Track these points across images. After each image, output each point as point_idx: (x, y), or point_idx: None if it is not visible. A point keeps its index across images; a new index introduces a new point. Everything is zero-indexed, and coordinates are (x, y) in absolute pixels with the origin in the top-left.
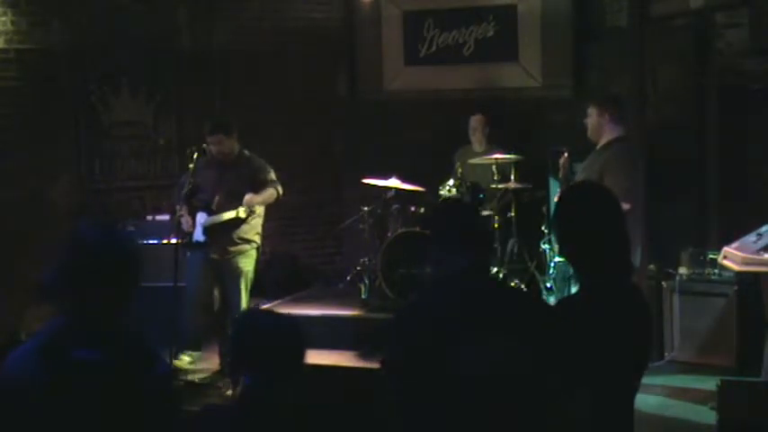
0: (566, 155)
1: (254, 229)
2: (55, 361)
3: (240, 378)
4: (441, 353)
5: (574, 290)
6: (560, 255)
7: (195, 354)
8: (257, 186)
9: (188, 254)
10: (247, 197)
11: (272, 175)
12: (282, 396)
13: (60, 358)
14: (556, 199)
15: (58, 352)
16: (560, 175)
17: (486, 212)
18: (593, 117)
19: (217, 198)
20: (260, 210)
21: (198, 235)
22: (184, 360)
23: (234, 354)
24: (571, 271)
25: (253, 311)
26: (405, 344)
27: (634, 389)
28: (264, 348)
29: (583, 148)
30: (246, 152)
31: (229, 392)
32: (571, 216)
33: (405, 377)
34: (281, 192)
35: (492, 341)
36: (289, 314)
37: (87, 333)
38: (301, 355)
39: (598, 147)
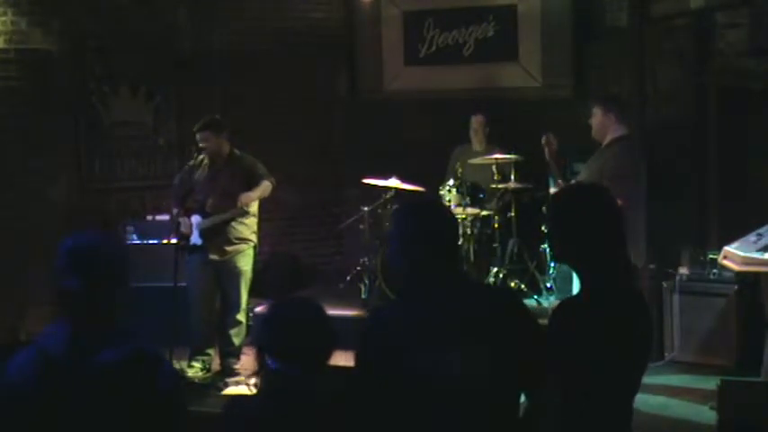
0: (548, 136)
1: (249, 228)
2: (49, 363)
3: (265, 366)
4: (398, 364)
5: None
6: (558, 258)
7: (207, 358)
8: (252, 184)
9: (186, 256)
10: (243, 196)
11: (264, 169)
12: (313, 387)
13: (54, 357)
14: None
15: (51, 352)
16: (547, 158)
17: (486, 212)
18: (597, 117)
19: (210, 200)
20: (254, 208)
21: (195, 238)
22: (196, 367)
23: (267, 342)
24: (572, 271)
25: (286, 300)
26: (366, 354)
27: (634, 389)
28: (297, 337)
29: (583, 147)
30: (237, 152)
31: (228, 391)
32: (569, 217)
33: (368, 385)
34: (274, 182)
35: (453, 350)
36: (321, 305)
37: (78, 333)
38: (333, 348)
39: (603, 146)
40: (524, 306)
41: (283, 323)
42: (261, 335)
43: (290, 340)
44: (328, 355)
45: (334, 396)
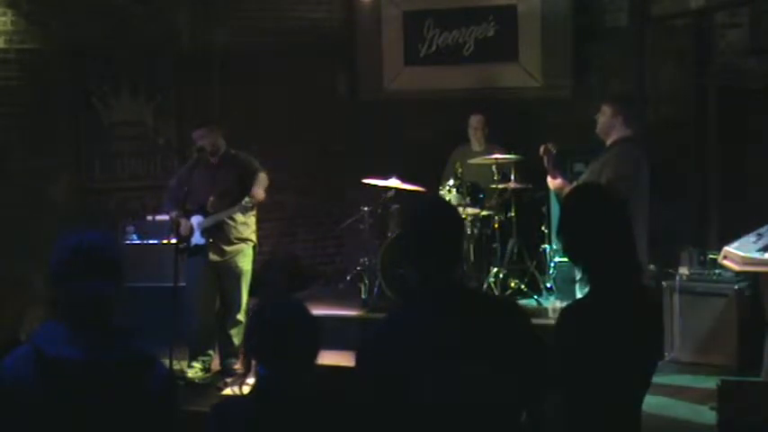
0: (546, 146)
1: (250, 228)
2: (47, 361)
3: (255, 369)
4: (400, 378)
5: (578, 293)
6: (569, 258)
7: (207, 359)
8: (249, 180)
9: (186, 257)
10: (255, 191)
11: (257, 162)
12: (297, 388)
13: (51, 358)
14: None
15: (49, 352)
16: (546, 165)
17: (486, 212)
18: (606, 116)
19: (211, 199)
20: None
21: (197, 238)
22: (196, 367)
23: (249, 343)
24: (574, 272)
25: (271, 301)
26: (370, 372)
27: (644, 388)
28: (281, 339)
29: (583, 148)
30: (232, 150)
31: (228, 391)
32: (577, 218)
33: (369, 396)
34: (265, 173)
35: (455, 365)
36: (305, 306)
37: (76, 333)
38: (317, 348)
39: (606, 146)
40: (527, 319)
41: (265, 325)
42: (245, 337)
43: (271, 342)
44: (313, 356)
45: (322, 397)
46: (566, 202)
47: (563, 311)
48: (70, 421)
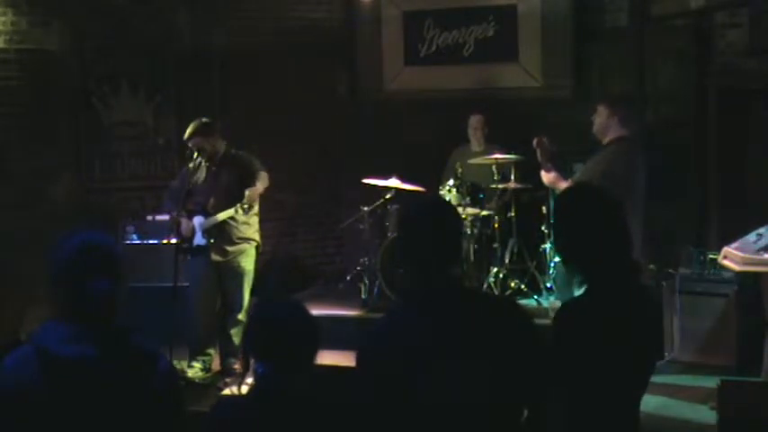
0: (539, 138)
1: (252, 228)
2: (51, 360)
3: (253, 368)
4: (401, 379)
5: (577, 293)
6: (562, 258)
7: (207, 358)
8: (249, 180)
9: (188, 257)
10: (249, 191)
11: (259, 163)
12: (295, 387)
13: (55, 357)
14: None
15: (52, 351)
16: (539, 158)
17: (486, 212)
18: (602, 116)
19: (212, 200)
20: (256, 207)
21: (198, 239)
22: (196, 367)
23: (248, 342)
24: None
25: (269, 301)
26: (370, 372)
27: (642, 388)
28: (279, 338)
29: (583, 148)
30: (233, 150)
31: (227, 391)
32: (570, 219)
33: (370, 397)
34: (266, 172)
35: (456, 366)
36: (304, 305)
37: (78, 332)
38: (315, 347)
39: (603, 144)
40: (527, 319)
41: (263, 325)
42: (243, 337)
43: (270, 342)
44: (312, 356)
45: (321, 397)
46: (559, 202)
47: (559, 311)
48: (74, 420)
